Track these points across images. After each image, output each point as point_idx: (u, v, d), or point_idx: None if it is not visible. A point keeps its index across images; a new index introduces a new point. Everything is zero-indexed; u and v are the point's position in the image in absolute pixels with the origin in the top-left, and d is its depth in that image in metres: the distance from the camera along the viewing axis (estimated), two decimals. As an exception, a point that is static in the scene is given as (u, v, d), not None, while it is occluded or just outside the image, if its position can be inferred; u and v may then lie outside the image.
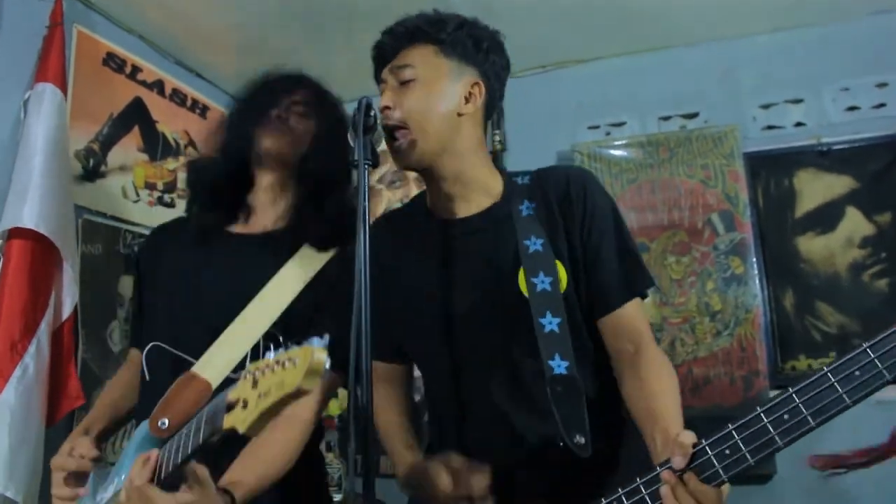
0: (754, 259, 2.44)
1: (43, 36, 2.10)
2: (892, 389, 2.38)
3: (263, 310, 1.25)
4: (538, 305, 1.14)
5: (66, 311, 2.02)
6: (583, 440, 1.06)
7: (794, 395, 0.87)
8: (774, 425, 0.88)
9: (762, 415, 0.88)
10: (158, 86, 2.63)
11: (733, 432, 0.90)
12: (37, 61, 2.08)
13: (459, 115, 1.20)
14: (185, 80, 2.77)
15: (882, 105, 2.50)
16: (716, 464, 0.90)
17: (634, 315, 1.16)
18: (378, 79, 1.26)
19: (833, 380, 0.86)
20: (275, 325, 1.23)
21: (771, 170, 2.54)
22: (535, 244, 1.18)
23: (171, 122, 2.67)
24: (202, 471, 1.00)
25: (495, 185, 1.25)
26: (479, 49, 1.24)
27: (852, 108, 2.53)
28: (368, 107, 1.04)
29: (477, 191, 1.24)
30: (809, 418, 0.86)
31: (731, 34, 2.68)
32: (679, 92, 2.73)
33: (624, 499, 0.96)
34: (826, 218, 2.46)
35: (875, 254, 2.39)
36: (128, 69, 2.50)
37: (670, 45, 2.75)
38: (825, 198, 2.47)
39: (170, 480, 1.00)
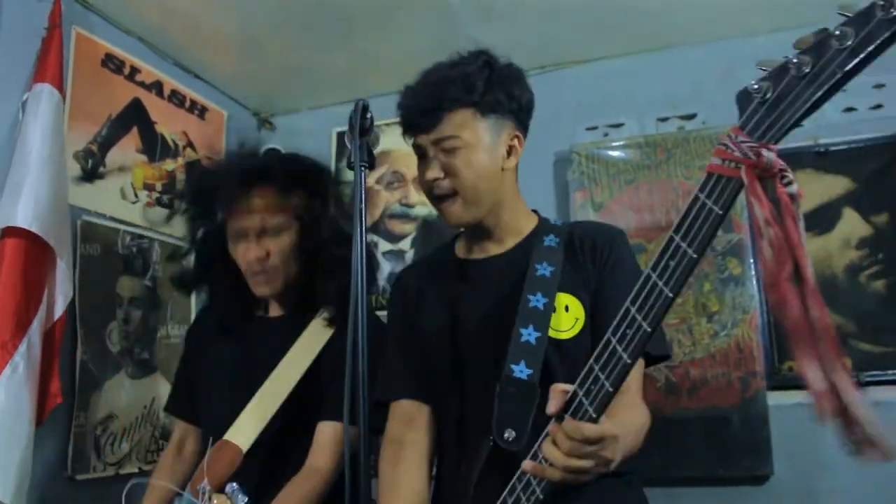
0: (751, 260, 2.43)
1: (41, 37, 2.10)
2: (890, 389, 2.39)
3: (279, 384, 1.49)
4: (523, 317, 1.18)
5: (59, 311, 2.02)
6: (512, 435, 1.11)
7: (629, 307, 0.91)
8: (620, 342, 0.91)
9: (609, 337, 0.92)
10: (157, 87, 2.63)
11: (593, 365, 0.94)
12: (35, 62, 2.08)
13: (503, 169, 1.26)
14: (184, 81, 2.78)
15: (879, 106, 2.50)
16: (584, 401, 0.93)
17: (638, 374, 1.20)
18: (414, 145, 1.29)
19: (654, 276, 0.89)
20: (291, 393, 1.48)
21: (769, 171, 2.55)
22: (544, 269, 1.23)
23: (169, 123, 2.68)
24: None
25: (528, 227, 1.33)
26: (512, 98, 1.27)
27: (850, 110, 2.53)
28: (365, 109, 1.06)
29: (510, 233, 1.32)
30: (645, 324, 0.88)
31: (729, 35, 2.68)
32: (677, 93, 2.73)
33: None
34: (823, 219, 2.46)
35: (872, 255, 2.40)
36: (126, 70, 2.50)
37: (668, 46, 2.75)
38: (822, 199, 2.47)
39: None
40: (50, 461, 2.07)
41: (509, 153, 1.28)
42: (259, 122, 3.27)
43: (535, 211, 1.43)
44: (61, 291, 2.02)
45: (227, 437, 1.43)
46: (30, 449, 1.84)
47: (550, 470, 0.96)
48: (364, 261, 0.97)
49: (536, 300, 1.19)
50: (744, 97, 0.79)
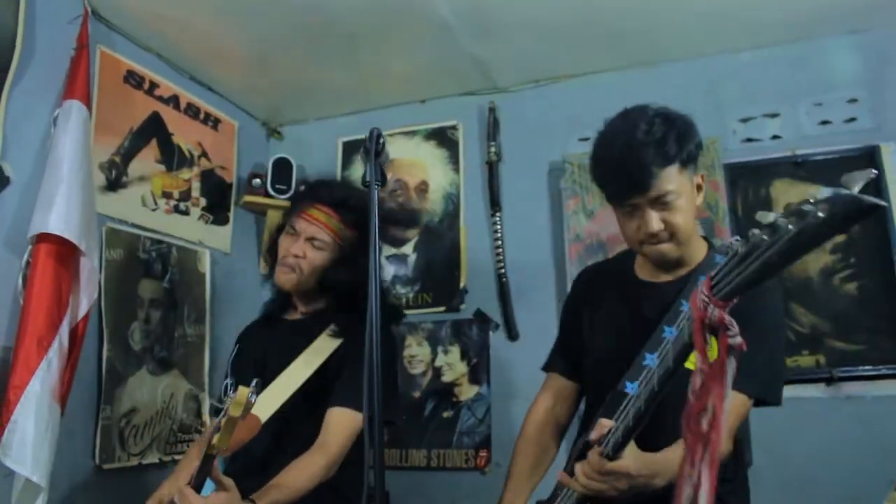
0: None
1: (70, 56, 2.25)
2: (861, 384, 2.56)
3: (294, 374, 1.72)
4: (652, 344, 1.33)
5: (83, 311, 2.16)
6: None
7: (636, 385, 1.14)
8: (628, 405, 1.14)
9: (629, 398, 1.14)
10: (174, 100, 2.79)
11: (618, 418, 1.15)
12: (65, 80, 2.23)
13: (696, 206, 1.43)
14: (199, 94, 2.94)
15: (853, 119, 2.65)
16: (609, 440, 1.14)
17: (733, 405, 1.26)
18: (628, 204, 1.39)
19: (654, 367, 1.09)
20: (308, 379, 1.71)
21: (749, 179, 2.71)
22: (687, 306, 1.34)
23: (185, 134, 2.84)
24: (227, 479, 1.37)
25: (697, 257, 1.46)
26: (699, 146, 1.42)
27: (825, 122, 2.68)
28: (379, 135, 1.21)
29: (684, 264, 1.45)
30: (640, 402, 1.11)
31: (713, 52, 2.84)
32: (664, 106, 2.88)
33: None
34: (800, 225, 2.62)
35: (845, 259, 2.55)
36: (146, 85, 2.66)
37: (656, 62, 2.91)
38: (799, 206, 2.63)
39: (197, 485, 1.35)
40: (79, 451, 2.22)
41: (699, 191, 1.44)
42: (268, 133, 3.43)
43: (705, 238, 1.55)
44: (86, 293, 2.16)
45: (252, 411, 1.59)
46: (56, 438, 1.99)
47: (573, 483, 1.21)
48: (378, 269, 1.13)
49: (669, 332, 1.32)
50: (725, 251, 0.89)
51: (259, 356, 1.83)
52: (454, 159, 3.14)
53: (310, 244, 1.78)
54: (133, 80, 2.60)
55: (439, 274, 3.05)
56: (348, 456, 1.61)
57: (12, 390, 1.90)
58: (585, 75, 3.00)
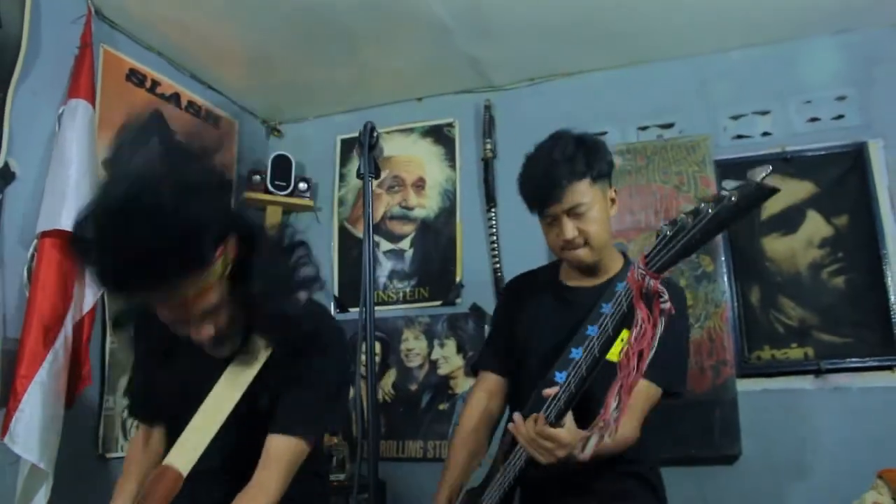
0: (723, 258, 2.65)
1: (74, 55, 2.31)
2: (848, 376, 2.62)
3: (220, 400, 1.33)
4: (577, 340, 1.47)
5: (88, 304, 2.21)
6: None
7: (579, 357, 1.26)
8: (568, 379, 1.26)
9: (569, 371, 1.25)
10: (175, 98, 2.85)
11: (561, 386, 1.26)
12: (69, 78, 2.29)
13: (609, 218, 1.59)
14: (199, 92, 2.99)
15: (841, 116, 2.70)
16: (549, 406, 1.27)
17: (645, 389, 1.45)
18: (546, 214, 1.57)
19: (586, 345, 1.23)
20: (233, 411, 1.32)
21: (739, 176, 2.74)
22: (607, 307, 1.46)
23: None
24: None
25: (614, 267, 1.63)
26: (610, 164, 1.60)
27: (814, 120, 2.74)
28: (373, 129, 1.26)
29: (601, 270, 1.62)
30: (579, 378, 1.24)
31: (704, 51, 2.89)
32: (657, 104, 2.94)
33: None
34: (789, 220, 2.67)
35: (833, 253, 2.60)
36: (148, 84, 2.71)
37: (649, 61, 2.96)
38: (788, 202, 2.68)
39: None
40: (82, 440, 2.28)
41: (612, 203, 1.61)
42: (268, 130, 3.48)
43: (622, 252, 1.71)
44: (91, 287, 2.22)
45: (166, 461, 1.30)
46: (60, 427, 2.04)
47: (519, 429, 1.32)
48: (371, 262, 1.18)
49: (593, 330, 1.45)
50: (656, 234, 1.06)
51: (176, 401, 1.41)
52: (451, 156, 3.20)
53: (203, 321, 1.23)
54: (135, 78, 2.66)
55: (436, 269, 3.10)
56: (305, 470, 1.37)
57: (19, 380, 1.96)
58: (580, 74, 3.05)
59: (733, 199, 0.91)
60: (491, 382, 1.74)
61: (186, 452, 1.30)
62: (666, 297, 1.03)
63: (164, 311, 1.19)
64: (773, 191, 0.90)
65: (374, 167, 1.26)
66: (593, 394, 1.34)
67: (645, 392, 1.46)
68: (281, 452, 1.31)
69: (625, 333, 1.48)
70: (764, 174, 0.91)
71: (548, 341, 1.57)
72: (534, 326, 1.66)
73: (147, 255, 1.02)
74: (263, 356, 1.35)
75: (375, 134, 1.27)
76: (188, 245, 1.06)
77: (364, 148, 1.25)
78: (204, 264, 1.10)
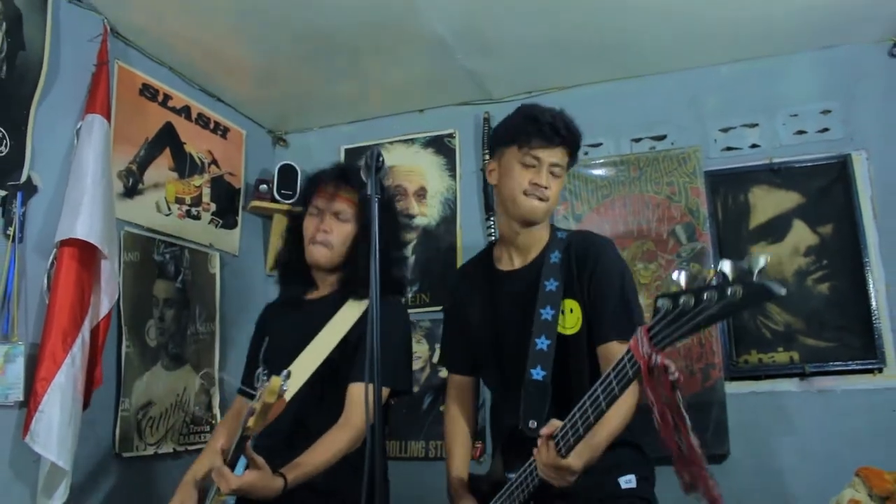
0: (713, 266, 2.75)
1: (91, 73, 2.42)
2: (832, 379, 2.73)
3: (317, 348, 1.81)
4: (537, 329, 1.57)
5: (104, 310, 2.32)
6: (534, 425, 1.52)
7: (576, 412, 1.30)
8: (579, 421, 1.30)
9: (574, 413, 1.30)
10: (186, 111, 2.96)
11: (567, 426, 1.32)
12: (86, 95, 2.39)
13: None
14: (209, 105, 3.10)
15: (826, 129, 2.81)
16: (560, 442, 1.33)
17: (619, 351, 1.50)
18: (530, 155, 1.67)
19: (588, 401, 1.26)
20: (330, 355, 1.80)
21: (728, 186, 2.87)
22: (551, 284, 1.63)
23: (196, 143, 3.00)
24: (258, 457, 1.48)
25: (544, 239, 1.72)
26: (581, 149, 1.77)
27: (800, 132, 2.84)
28: (379, 154, 1.37)
29: (533, 246, 1.71)
30: (588, 421, 1.27)
31: (695, 65, 3.00)
32: (649, 116, 3.05)
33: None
34: (776, 229, 2.77)
35: (818, 261, 2.71)
36: (160, 98, 2.82)
37: (642, 75, 3.06)
38: (775, 211, 2.79)
39: (231, 463, 1.49)
40: (100, 440, 2.38)
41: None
42: (273, 140, 3.59)
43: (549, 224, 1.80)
44: (107, 293, 2.33)
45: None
46: (78, 428, 2.14)
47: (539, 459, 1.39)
48: (378, 275, 1.29)
49: (546, 312, 1.59)
50: (656, 308, 1.05)
51: (285, 339, 1.91)
52: (451, 166, 3.31)
53: (335, 219, 1.89)
54: (148, 92, 2.77)
55: (437, 274, 3.21)
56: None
57: (39, 382, 2.06)
58: (575, 87, 3.16)
59: (738, 295, 0.91)
60: (458, 382, 1.90)
61: (290, 384, 1.63)
62: (673, 368, 1.06)
63: (320, 202, 1.92)
64: (776, 297, 0.91)
65: (380, 188, 1.36)
66: (573, 383, 1.51)
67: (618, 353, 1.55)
68: (361, 397, 1.58)
69: (571, 303, 1.61)
70: (763, 263, 0.92)
71: (496, 329, 1.68)
72: (481, 318, 1.75)
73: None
74: (354, 317, 1.81)
75: (381, 158, 1.37)
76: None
77: (371, 171, 1.36)
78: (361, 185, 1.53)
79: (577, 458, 1.35)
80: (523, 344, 1.60)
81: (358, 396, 1.70)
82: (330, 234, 1.88)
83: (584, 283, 1.61)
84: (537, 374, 1.53)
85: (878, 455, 2.26)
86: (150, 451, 2.56)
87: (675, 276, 1.01)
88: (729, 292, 0.90)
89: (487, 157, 3.19)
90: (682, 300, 0.97)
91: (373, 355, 1.32)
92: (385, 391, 1.73)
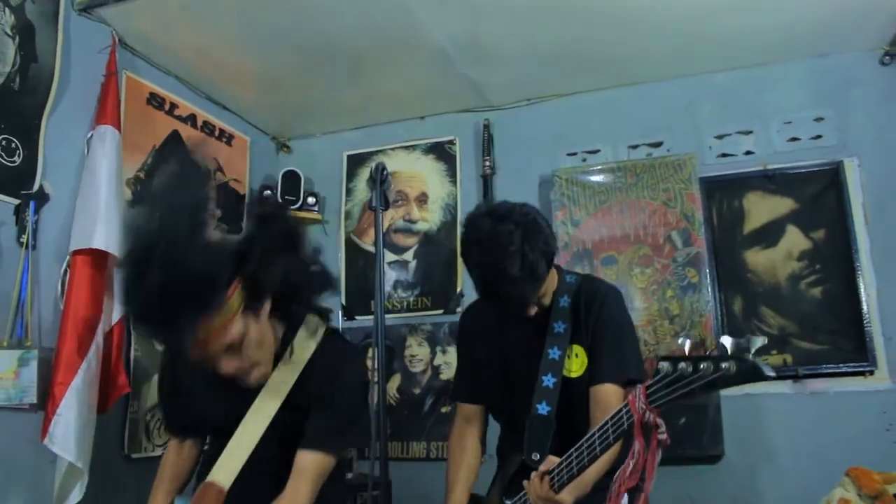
0: (707, 270, 2.82)
1: (101, 83, 2.48)
2: (825, 381, 2.78)
3: (258, 416, 1.48)
4: (544, 367, 1.65)
5: (116, 316, 2.39)
6: (537, 457, 1.60)
7: (572, 452, 1.36)
8: (572, 463, 1.36)
9: (570, 454, 1.36)
10: (191, 119, 3.02)
11: (562, 465, 1.38)
12: (97, 105, 2.46)
13: None
14: (214, 112, 3.16)
15: (819, 137, 2.87)
16: (555, 479, 1.39)
17: (611, 394, 1.60)
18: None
19: (586, 444, 1.32)
20: (270, 425, 1.47)
21: (723, 192, 2.93)
22: (559, 327, 1.70)
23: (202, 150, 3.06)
24: None
25: (553, 283, 1.73)
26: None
27: (794, 139, 2.91)
28: (383, 169, 1.43)
29: (544, 294, 1.70)
30: (581, 463, 1.33)
31: (691, 73, 3.06)
32: (646, 124, 3.11)
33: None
34: (770, 234, 2.83)
35: (811, 266, 2.77)
36: (167, 106, 2.88)
37: (639, 83, 3.13)
38: (769, 217, 2.85)
39: None
40: (110, 441, 2.44)
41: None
42: (277, 147, 3.66)
43: (556, 267, 1.77)
44: (119, 300, 2.39)
45: (209, 477, 1.45)
46: (93, 431, 2.22)
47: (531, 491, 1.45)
48: (382, 286, 1.35)
49: (553, 353, 1.66)
50: (656, 369, 1.13)
51: (218, 405, 1.54)
52: (452, 172, 3.37)
53: (229, 356, 1.37)
54: (155, 101, 2.83)
55: (438, 279, 3.27)
56: (328, 490, 1.49)
57: (57, 386, 2.13)
58: (573, 95, 3.22)
59: (732, 371, 0.99)
60: (467, 411, 1.87)
61: (227, 469, 1.45)
62: (663, 429, 1.14)
63: (194, 351, 1.31)
64: (766, 379, 0.98)
65: (384, 200, 1.42)
66: (576, 420, 1.57)
67: (615, 397, 1.60)
68: (310, 466, 1.43)
69: (577, 348, 1.68)
70: (760, 344, 0.98)
71: (518, 368, 1.72)
72: (499, 357, 1.79)
73: (163, 301, 1.19)
74: (293, 379, 1.49)
75: (385, 172, 1.43)
76: (198, 291, 1.22)
77: (376, 183, 1.42)
78: (215, 306, 1.25)
79: (568, 495, 1.41)
80: (531, 380, 1.67)
81: (307, 467, 1.43)
82: (251, 368, 1.43)
83: (588, 328, 1.68)
84: (542, 409, 1.62)
85: (869, 455, 2.32)
86: (158, 451, 2.61)
87: (679, 341, 1.11)
88: (724, 366, 0.97)
89: (487, 163, 3.26)
90: (680, 366, 1.04)
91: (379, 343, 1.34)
92: (327, 460, 1.45)
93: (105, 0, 2.44)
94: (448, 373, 3.15)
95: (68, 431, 2.08)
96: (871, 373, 2.63)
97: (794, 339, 2.74)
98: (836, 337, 2.69)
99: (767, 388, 2.73)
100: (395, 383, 3.20)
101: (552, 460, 1.42)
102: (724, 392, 2.70)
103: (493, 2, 2.52)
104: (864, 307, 2.66)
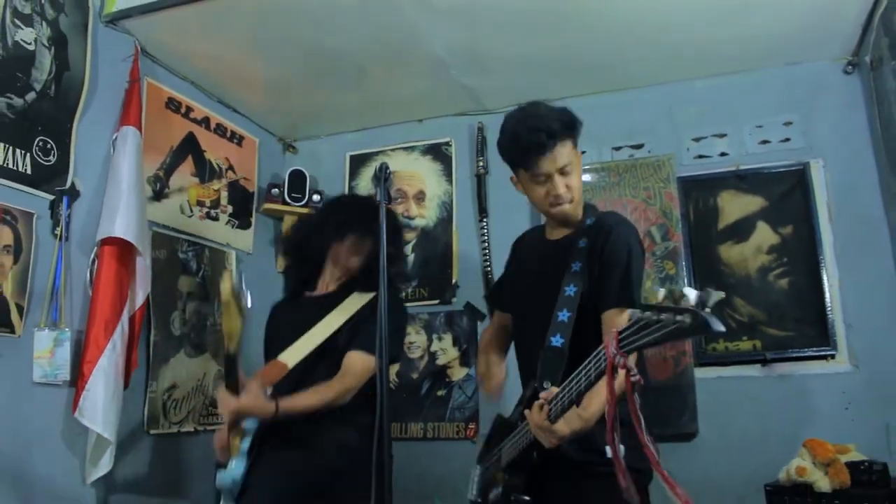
0: (684, 263, 3.04)
1: (125, 89, 2.70)
2: (790, 365, 3.03)
3: (320, 330, 2.12)
4: (560, 304, 1.74)
5: (139, 301, 2.59)
6: (548, 386, 1.62)
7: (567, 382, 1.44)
8: (567, 390, 1.45)
9: (570, 380, 1.43)
10: (206, 122, 3.24)
11: (560, 393, 1.48)
12: (121, 109, 2.67)
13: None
14: (226, 115, 3.38)
15: (787, 140, 3.09)
16: (553, 408, 1.49)
17: (616, 318, 1.62)
18: (537, 174, 1.76)
19: (572, 381, 1.41)
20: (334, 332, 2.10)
21: (699, 191, 3.15)
22: (576, 265, 1.79)
23: (215, 150, 3.28)
24: (251, 382, 1.95)
25: (577, 219, 1.85)
26: (580, 127, 1.86)
27: (765, 142, 3.12)
28: (386, 168, 1.64)
29: (570, 224, 1.85)
30: (575, 392, 1.41)
31: (672, 80, 3.27)
32: (629, 126, 3.32)
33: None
34: (741, 230, 3.05)
35: (779, 259, 2.99)
36: (183, 109, 3.10)
37: (623, 89, 3.34)
38: (741, 214, 3.07)
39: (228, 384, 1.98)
40: (131, 418, 2.66)
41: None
42: (284, 147, 3.87)
43: (588, 206, 1.89)
44: (141, 286, 2.60)
45: (279, 357, 2.08)
46: (120, 404, 2.42)
47: (529, 419, 1.56)
48: (386, 278, 1.55)
49: (570, 290, 1.75)
50: (629, 316, 1.14)
51: (288, 332, 2.16)
52: (447, 172, 3.59)
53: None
54: (173, 105, 3.04)
55: (434, 271, 3.49)
56: (364, 398, 1.95)
57: (86, 365, 2.34)
58: (561, 99, 3.35)
59: (687, 322, 0.99)
60: (499, 318, 2.13)
61: (295, 354, 2.06)
62: (634, 371, 1.18)
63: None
64: (717, 331, 0.99)
65: (388, 196, 1.64)
66: (589, 353, 1.56)
67: (617, 320, 1.62)
68: (355, 363, 2.01)
69: None
70: (716, 299, 0.99)
71: (538, 290, 1.84)
72: (527, 279, 1.95)
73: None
74: (360, 304, 2.14)
75: (388, 172, 1.64)
76: None
77: (380, 181, 1.63)
78: None
79: (564, 425, 1.48)
80: (547, 315, 1.75)
81: (353, 362, 2.02)
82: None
83: (596, 262, 1.74)
84: (556, 341, 1.68)
85: (829, 432, 2.55)
86: (174, 429, 2.83)
87: (656, 289, 1.14)
88: (678, 319, 1.00)
89: (481, 163, 3.48)
90: (646, 314, 1.08)
91: (381, 344, 1.55)
92: (369, 360, 1.97)
93: (129, 13, 2.65)
94: (444, 359, 3.37)
95: (96, 405, 2.29)
96: (833, 357, 2.85)
97: (763, 326, 2.96)
98: (802, 324, 2.91)
99: (738, 371, 2.96)
100: (394, 368, 3.41)
101: (553, 391, 1.48)
102: (699, 375, 2.96)
103: (486, 14, 2.73)
104: (827, 297, 2.88)
